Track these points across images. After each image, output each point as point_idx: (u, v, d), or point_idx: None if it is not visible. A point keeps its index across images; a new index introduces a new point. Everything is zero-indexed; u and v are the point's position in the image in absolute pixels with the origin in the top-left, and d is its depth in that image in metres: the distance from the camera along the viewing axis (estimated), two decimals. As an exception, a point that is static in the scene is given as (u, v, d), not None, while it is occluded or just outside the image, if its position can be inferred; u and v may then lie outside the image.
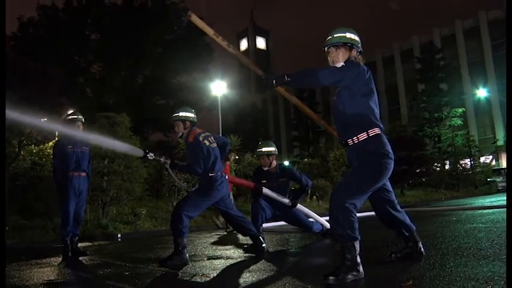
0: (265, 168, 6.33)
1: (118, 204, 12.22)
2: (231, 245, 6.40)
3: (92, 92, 38.17)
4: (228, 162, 8.45)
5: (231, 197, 6.08)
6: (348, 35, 3.28)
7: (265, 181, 6.15)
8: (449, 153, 31.32)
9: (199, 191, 4.82)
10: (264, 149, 6.25)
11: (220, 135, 21.86)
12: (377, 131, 3.10)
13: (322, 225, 6.39)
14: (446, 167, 30.52)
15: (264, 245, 5.07)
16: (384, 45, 56.15)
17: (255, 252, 5.05)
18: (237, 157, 18.71)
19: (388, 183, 3.39)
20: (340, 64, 3.20)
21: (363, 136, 3.07)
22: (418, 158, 23.68)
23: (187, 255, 4.59)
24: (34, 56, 31.34)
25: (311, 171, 19.60)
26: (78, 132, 5.96)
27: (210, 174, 4.80)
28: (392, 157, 3.12)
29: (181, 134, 5.07)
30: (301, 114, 54.20)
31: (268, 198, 5.96)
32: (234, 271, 4.21)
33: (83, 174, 6.19)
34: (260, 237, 5.11)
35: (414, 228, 3.65)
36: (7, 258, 7.10)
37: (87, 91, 37.99)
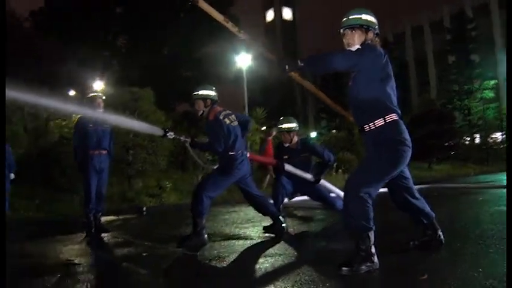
0: (286, 145, 6.24)
1: (143, 177, 12.42)
2: (251, 222, 6.41)
3: (117, 65, 38.42)
4: (270, 138, 8.39)
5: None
6: (364, 16, 3.14)
7: (286, 157, 6.07)
8: (480, 127, 30.53)
9: (220, 170, 4.80)
10: (284, 126, 6.15)
11: (246, 108, 21.86)
12: (394, 116, 2.98)
13: None
14: (476, 140, 29.81)
15: (283, 225, 5.06)
16: (413, 15, 54.10)
17: (275, 233, 5.04)
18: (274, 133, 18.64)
19: (406, 170, 3.28)
20: (355, 47, 3.07)
21: (379, 122, 2.96)
22: (446, 131, 23.18)
23: (206, 235, 4.59)
24: (59, 30, 31.64)
25: (337, 144, 19.46)
26: (98, 113, 5.97)
27: (230, 153, 4.76)
28: (410, 144, 3.01)
29: (201, 112, 5.02)
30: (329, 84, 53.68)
31: (290, 174, 5.90)
32: (250, 255, 4.22)
33: (104, 152, 6.25)
34: (280, 217, 5.09)
35: (433, 215, 3.55)
36: (34, 231, 7.35)
37: (113, 64, 38.24)
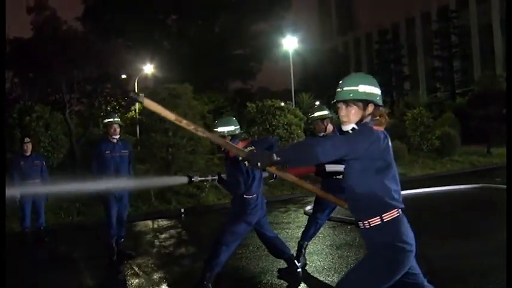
0: (321, 134, 5.70)
1: (182, 177, 12.39)
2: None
3: (168, 45, 38.74)
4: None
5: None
6: (362, 88, 2.59)
7: None
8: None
9: (235, 219, 4.53)
10: (316, 114, 5.56)
11: (293, 92, 21.41)
12: (394, 213, 2.50)
13: None
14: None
15: (299, 270, 4.75)
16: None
17: (288, 276, 4.76)
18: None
19: (415, 265, 2.78)
20: (350, 126, 2.59)
21: (375, 221, 2.50)
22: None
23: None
24: (112, 11, 32.11)
25: (387, 131, 18.57)
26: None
27: (245, 196, 4.47)
28: (412, 248, 2.50)
29: (222, 148, 4.70)
30: (385, 58, 51.62)
31: (331, 183, 5.32)
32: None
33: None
34: (295, 261, 4.77)
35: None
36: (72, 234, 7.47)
37: (165, 45, 38.59)
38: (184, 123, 2.50)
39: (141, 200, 10.70)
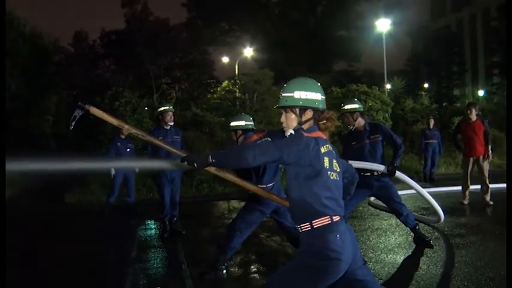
0: (352, 128, 5.64)
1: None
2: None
3: (271, 27, 39.14)
4: None
5: None
6: (297, 93, 2.62)
7: (354, 143, 5.46)
8: None
9: (249, 207, 4.72)
10: (346, 107, 5.53)
11: (385, 72, 20.56)
12: (325, 221, 2.50)
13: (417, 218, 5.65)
14: None
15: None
16: None
17: None
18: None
19: (364, 272, 2.73)
20: (288, 131, 2.66)
21: (306, 227, 2.55)
22: None
23: (225, 271, 4.67)
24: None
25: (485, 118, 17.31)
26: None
27: (258, 186, 4.65)
28: (340, 257, 2.45)
29: (235, 139, 5.02)
30: (503, 36, 47.15)
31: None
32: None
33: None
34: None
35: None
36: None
37: (267, 27, 39.05)
38: (126, 128, 2.80)
39: (217, 181, 11.23)
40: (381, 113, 14.17)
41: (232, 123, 4.96)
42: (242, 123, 4.93)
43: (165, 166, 5.22)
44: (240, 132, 4.92)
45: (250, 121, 5.02)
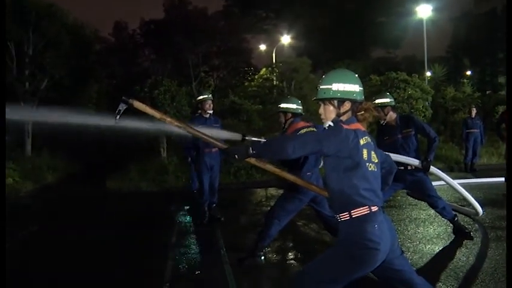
0: (383, 123, 5.60)
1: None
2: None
3: (308, 14, 38.74)
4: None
5: None
6: (335, 86, 2.64)
7: (387, 137, 5.43)
8: None
9: (288, 195, 4.75)
10: (377, 101, 5.48)
11: (425, 59, 20.06)
12: (364, 211, 2.54)
13: (455, 210, 5.55)
14: None
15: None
16: None
17: None
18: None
19: (402, 262, 2.73)
20: (327, 123, 2.68)
21: (344, 216, 2.58)
22: None
23: (263, 258, 4.76)
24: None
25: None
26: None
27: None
28: (378, 247, 2.49)
29: (283, 126, 5.02)
30: None
31: None
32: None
33: (214, 150, 6.71)
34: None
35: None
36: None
37: (304, 14, 38.67)
38: (168, 121, 2.89)
39: (255, 169, 11.35)
40: (420, 102, 13.86)
41: (283, 105, 4.94)
42: (293, 106, 4.92)
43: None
44: (289, 115, 4.91)
45: (300, 105, 5.00)
